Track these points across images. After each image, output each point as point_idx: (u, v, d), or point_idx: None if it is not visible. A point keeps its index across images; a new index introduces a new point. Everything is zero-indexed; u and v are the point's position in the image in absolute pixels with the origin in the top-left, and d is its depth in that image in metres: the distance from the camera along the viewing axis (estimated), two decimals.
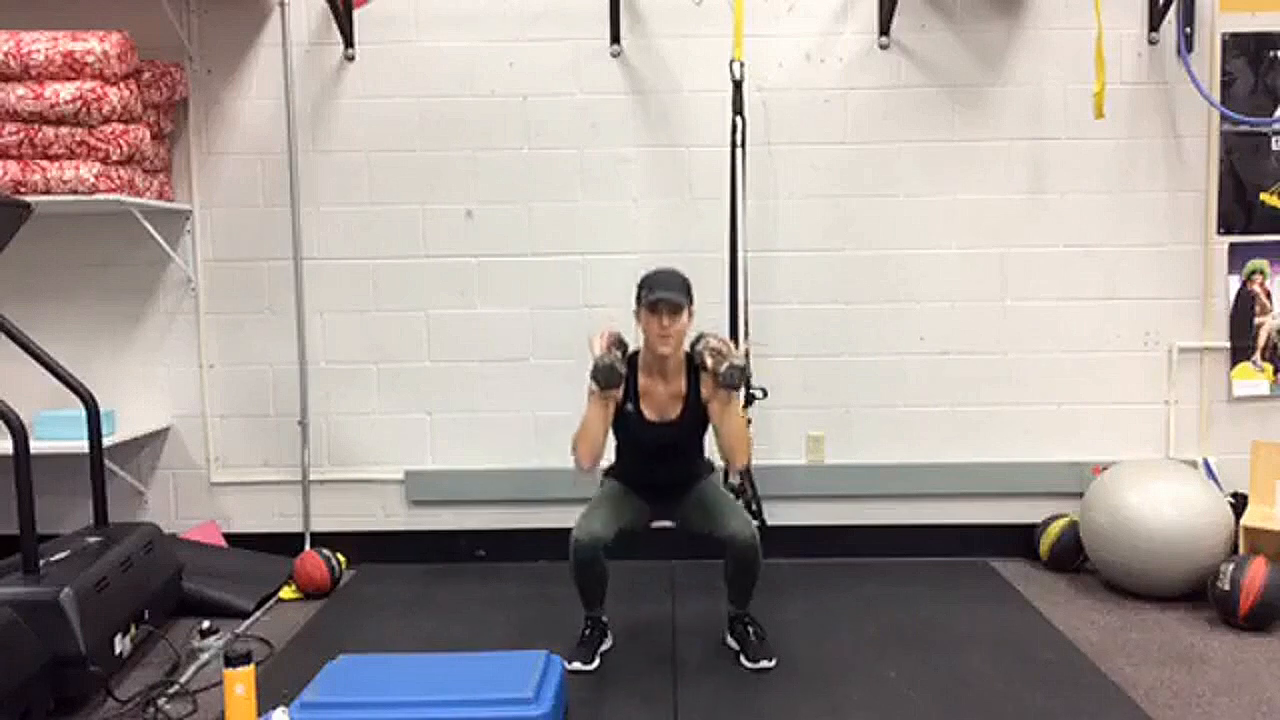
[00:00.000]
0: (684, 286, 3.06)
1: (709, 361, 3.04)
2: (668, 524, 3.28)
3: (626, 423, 3.15)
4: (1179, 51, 3.97)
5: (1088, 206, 4.04)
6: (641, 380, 3.14)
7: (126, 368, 4.14)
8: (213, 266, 4.13)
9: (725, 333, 3.72)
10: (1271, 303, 4.07)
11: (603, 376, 3.03)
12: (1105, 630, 3.37)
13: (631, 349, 3.18)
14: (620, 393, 3.10)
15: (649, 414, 3.14)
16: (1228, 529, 3.58)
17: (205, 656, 3.16)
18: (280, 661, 3.19)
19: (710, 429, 3.18)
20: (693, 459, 3.28)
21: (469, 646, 3.20)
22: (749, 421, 3.73)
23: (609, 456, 3.24)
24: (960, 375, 4.10)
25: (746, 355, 3.17)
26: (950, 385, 4.11)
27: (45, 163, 3.63)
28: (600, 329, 3.16)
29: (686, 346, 3.13)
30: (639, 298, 3.06)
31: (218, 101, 4.07)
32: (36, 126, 3.59)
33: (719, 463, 3.27)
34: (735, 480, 3.59)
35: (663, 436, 3.16)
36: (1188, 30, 3.96)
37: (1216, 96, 3.97)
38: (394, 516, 4.19)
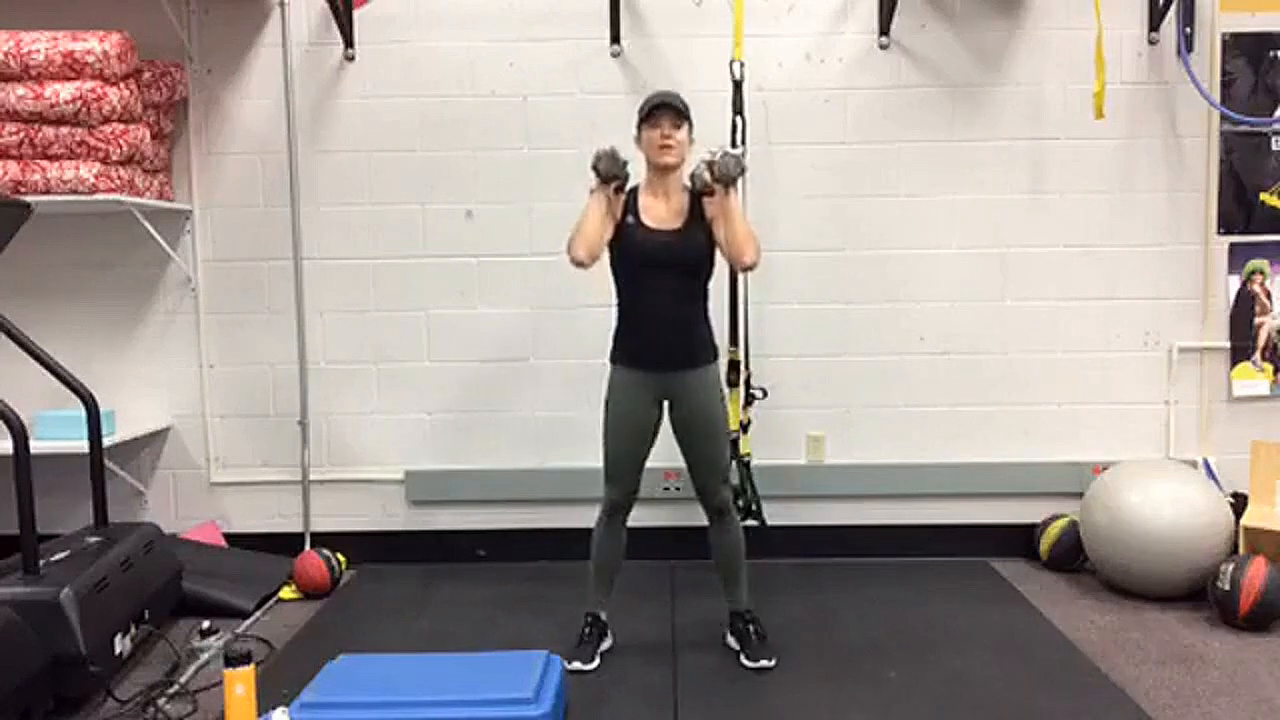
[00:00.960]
0: (683, 101, 3.05)
1: (705, 159, 2.97)
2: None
3: (627, 238, 3.05)
4: (1179, 51, 3.97)
5: (1088, 206, 4.04)
6: (643, 199, 3.09)
7: (126, 368, 4.14)
8: (213, 266, 4.13)
9: (725, 334, 3.73)
10: (1271, 303, 4.07)
11: (604, 164, 2.98)
12: (1105, 630, 3.37)
13: (634, 182, 3.11)
14: (619, 209, 3.05)
15: (650, 223, 3.06)
16: (1228, 529, 3.58)
17: (205, 656, 3.16)
18: (280, 661, 3.19)
19: (715, 257, 3.11)
20: (695, 302, 3.09)
21: (469, 646, 3.20)
22: (749, 423, 3.74)
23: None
24: (960, 375, 4.10)
25: (742, 153, 3.08)
26: (950, 385, 4.11)
27: (45, 163, 3.63)
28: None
29: (686, 180, 3.07)
30: (639, 123, 3.04)
31: (218, 101, 4.07)
32: (36, 126, 3.59)
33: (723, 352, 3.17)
34: (735, 482, 3.58)
35: (665, 245, 3.04)
36: (1188, 30, 3.96)
37: (1216, 96, 3.97)
38: (394, 516, 4.19)
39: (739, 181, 3.01)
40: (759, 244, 3.06)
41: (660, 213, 3.08)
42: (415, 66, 4.04)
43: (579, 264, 3.02)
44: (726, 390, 3.35)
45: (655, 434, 3.14)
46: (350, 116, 4.07)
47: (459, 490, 4.15)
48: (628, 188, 3.08)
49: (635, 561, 3.45)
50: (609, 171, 2.99)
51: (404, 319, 4.13)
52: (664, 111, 3.00)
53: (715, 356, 3.17)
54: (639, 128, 3.06)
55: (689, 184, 3.07)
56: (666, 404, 3.12)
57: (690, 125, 3.06)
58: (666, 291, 3.06)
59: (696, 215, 3.07)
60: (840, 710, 2.79)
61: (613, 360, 3.16)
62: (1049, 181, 4.04)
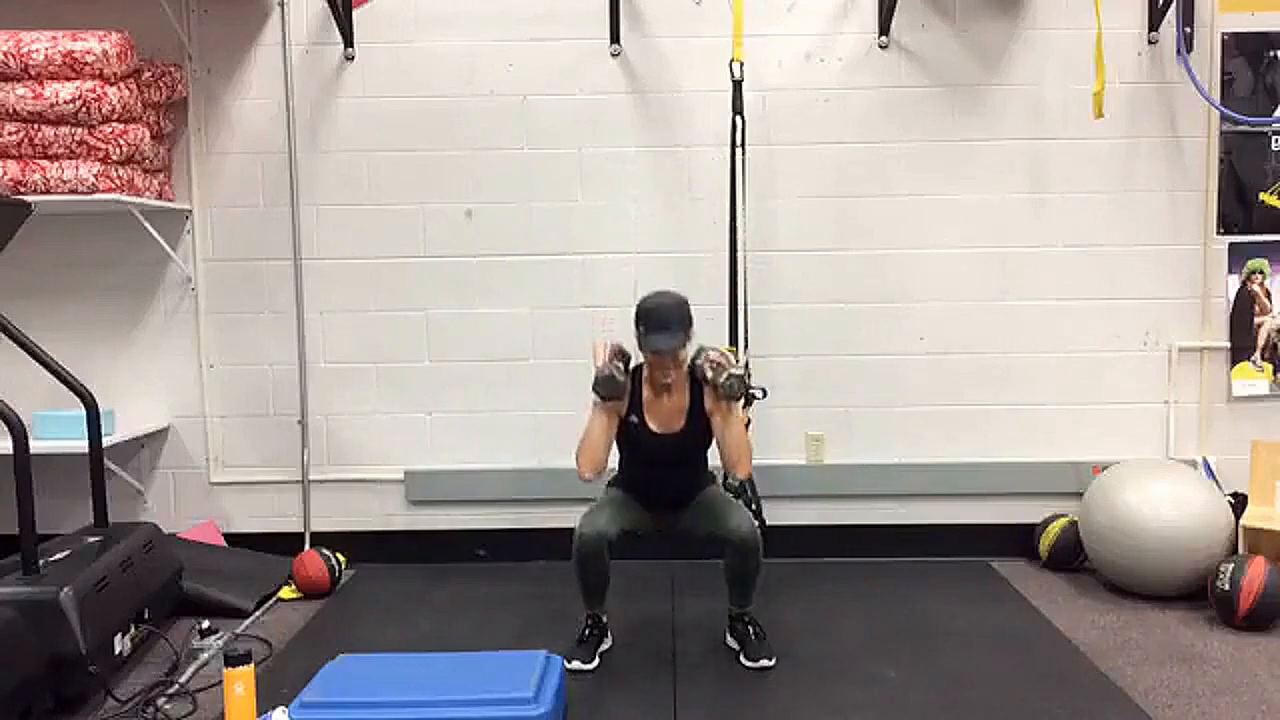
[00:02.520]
0: (680, 320, 3.03)
1: (709, 374, 3.04)
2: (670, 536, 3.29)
3: (630, 434, 3.15)
4: (1179, 51, 3.97)
5: (1088, 206, 4.04)
6: (645, 393, 3.15)
7: (126, 368, 4.14)
8: (213, 266, 4.13)
9: (725, 334, 3.73)
10: (1271, 302, 4.07)
11: (604, 388, 3.04)
12: (1105, 630, 3.37)
13: (635, 362, 3.17)
14: (624, 404, 3.11)
15: (653, 425, 3.14)
16: (1228, 529, 3.58)
17: (205, 656, 3.16)
18: (280, 661, 3.19)
19: (714, 441, 3.17)
20: (697, 470, 3.28)
21: (469, 646, 3.20)
22: (749, 422, 3.73)
23: (613, 466, 3.25)
24: (960, 375, 4.10)
25: (745, 366, 3.17)
26: (950, 385, 4.11)
27: (45, 162, 3.63)
28: (602, 339, 3.16)
29: (687, 364, 3.14)
30: (637, 328, 3.05)
31: (218, 101, 4.07)
32: (36, 126, 3.59)
33: (720, 466, 3.26)
34: (735, 481, 3.59)
35: (666, 448, 3.16)
36: (1187, 30, 3.96)
37: (1216, 96, 3.97)
38: (394, 516, 4.19)
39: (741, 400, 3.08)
40: (752, 453, 3.15)
41: (662, 414, 3.14)
42: (415, 66, 4.04)
43: (586, 480, 3.09)
44: (720, 487, 3.40)
45: (644, 527, 3.21)
46: (350, 116, 4.07)
47: (459, 490, 4.15)
48: (631, 367, 3.15)
49: (635, 561, 3.46)
50: (609, 394, 3.05)
51: (404, 319, 4.13)
52: (661, 347, 3.00)
53: (713, 481, 3.32)
54: (637, 329, 3.05)
55: (688, 367, 3.12)
56: (669, 523, 3.24)
57: (690, 327, 3.05)
58: (670, 473, 3.22)
59: (697, 408, 3.12)
60: (840, 710, 2.79)
61: (611, 485, 3.30)
62: (1049, 181, 4.04)
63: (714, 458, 3.27)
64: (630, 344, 3.16)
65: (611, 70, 4.04)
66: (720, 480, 3.40)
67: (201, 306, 4.13)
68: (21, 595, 2.77)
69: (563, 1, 4.01)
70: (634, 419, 3.13)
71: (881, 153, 4.04)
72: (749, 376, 3.09)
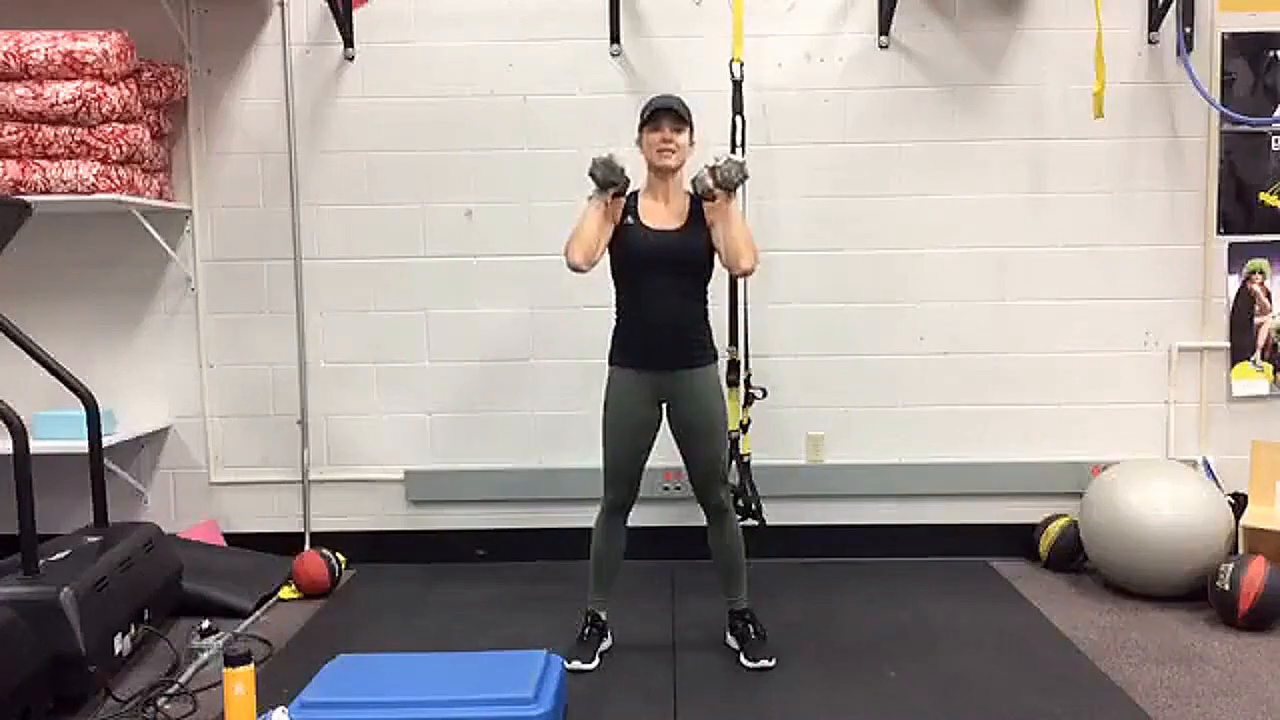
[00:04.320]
0: (684, 105, 3.05)
1: (707, 174, 2.98)
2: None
3: (627, 237, 3.06)
4: (1179, 51, 3.97)
5: (1088, 206, 4.04)
6: (643, 202, 3.10)
7: (126, 368, 4.14)
8: (213, 266, 4.13)
9: (725, 334, 3.72)
10: (1271, 302, 4.07)
11: (601, 171, 2.98)
12: (1105, 630, 3.37)
13: (633, 187, 3.11)
14: (618, 212, 3.06)
15: (649, 223, 3.07)
16: (1228, 529, 3.58)
17: (205, 656, 3.16)
18: (280, 661, 3.19)
19: (714, 263, 3.11)
20: (694, 301, 3.10)
21: (469, 646, 3.20)
22: (748, 423, 3.74)
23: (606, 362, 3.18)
24: (960, 375, 4.10)
25: (744, 161, 3.09)
26: (950, 385, 4.11)
27: (45, 162, 3.63)
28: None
29: (688, 185, 3.07)
30: (640, 125, 3.05)
31: (218, 101, 4.07)
32: (36, 126, 3.59)
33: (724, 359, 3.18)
34: (735, 481, 3.59)
35: (664, 245, 3.05)
36: (1187, 30, 3.96)
37: (1216, 96, 3.97)
38: (394, 516, 4.19)
39: (740, 187, 3.01)
40: (757, 250, 3.07)
41: (660, 214, 3.09)
42: (415, 66, 4.04)
43: (575, 269, 3.02)
44: (726, 390, 3.35)
45: (655, 434, 3.14)
46: (350, 116, 4.07)
47: (459, 490, 4.15)
48: (628, 191, 3.08)
49: (635, 561, 3.45)
50: (606, 178, 2.99)
51: (404, 319, 4.13)
52: (665, 115, 3.00)
53: (715, 358, 3.18)
54: (640, 130, 3.07)
55: (690, 189, 3.07)
56: (665, 405, 3.11)
57: (691, 129, 3.07)
58: (666, 292, 3.05)
59: (696, 218, 3.08)
60: (840, 710, 2.79)
61: (611, 361, 3.15)
62: (1049, 181, 4.04)
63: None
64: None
65: (611, 70, 4.04)
66: (726, 369, 3.30)
67: (201, 306, 4.12)
68: (21, 595, 2.77)
69: (563, 1, 4.01)
70: (630, 220, 3.07)
71: (881, 153, 4.04)
72: (746, 165, 3.04)
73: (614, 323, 3.16)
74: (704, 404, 3.09)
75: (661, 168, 3.04)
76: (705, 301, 3.13)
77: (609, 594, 3.22)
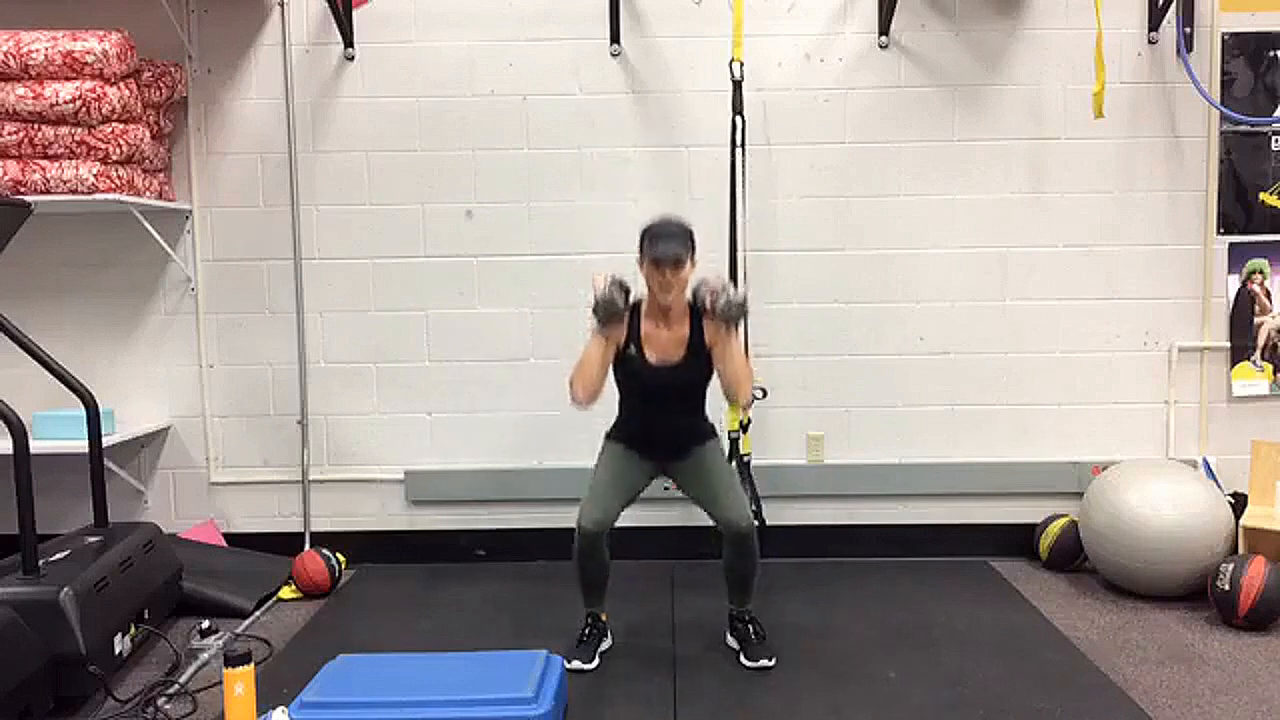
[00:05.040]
0: (685, 237, 3.03)
1: (708, 300, 3.01)
2: (670, 491, 3.27)
3: (628, 365, 3.10)
4: (1179, 51, 3.97)
5: (1088, 206, 4.04)
6: (644, 326, 3.11)
7: (126, 368, 4.14)
8: (213, 266, 4.13)
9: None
10: (1271, 302, 4.07)
11: (602, 311, 3.01)
12: (1105, 630, 3.37)
13: (635, 295, 3.12)
14: (622, 334, 3.08)
15: (651, 356, 3.09)
16: (1227, 529, 3.58)
17: (205, 656, 3.16)
18: (280, 661, 3.19)
19: (715, 376, 3.12)
20: (695, 409, 3.19)
21: (469, 646, 3.19)
22: (748, 423, 3.74)
23: (610, 413, 3.22)
24: (960, 375, 4.10)
25: (746, 295, 3.11)
26: (950, 385, 4.11)
27: (45, 162, 3.63)
28: (603, 272, 3.09)
29: (689, 295, 3.09)
30: (641, 248, 3.04)
31: (218, 101, 4.07)
32: (36, 126, 3.60)
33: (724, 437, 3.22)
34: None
35: (664, 379, 3.10)
36: (1187, 30, 3.96)
37: (1216, 96, 3.97)
38: (394, 516, 4.19)
39: (741, 321, 3.06)
40: (754, 380, 3.15)
41: (661, 343, 3.10)
42: (415, 66, 4.04)
43: (580, 406, 3.07)
44: (725, 450, 3.38)
45: (642, 490, 3.19)
46: (350, 116, 4.07)
47: (459, 490, 4.15)
48: (632, 301, 3.10)
49: (635, 561, 3.46)
50: (608, 317, 3.03)
51: (404, 319, 4.13)
52: (664, 260, 2.98)
53: (714, 434, 3.25)
54: (641, 252, 3.05)
55: (690, 297, 3.09)
56: (665, 476, 3.20)
57: (693, 252, 3.05)
58: (667, 409, 3.16)
59: (697, 341, 3.10)
60: (840, 710, 2.79)
61: (607, 438, 3.23)
62: (1049, 181, 4.04)
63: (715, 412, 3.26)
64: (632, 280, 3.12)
65: (611, 70, 4.04)
66: (727, 447, 3.33)
67: (201, 306, 4.13)
68: (21, 595, 2.77)
69: (563, 1, 4.01)
70: (632, 349, 3.09)
71: (881, 153, 4.04)
72: (748, 301, 3.05)
73: (616, 409, 3.22)
74: (707, 464, 3.16)
75: (662, 304, 3.07)
76: (705, 398, 3.21)
77: (604, 598, 3.21)
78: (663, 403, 3.15)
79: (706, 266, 3.25)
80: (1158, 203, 4.04)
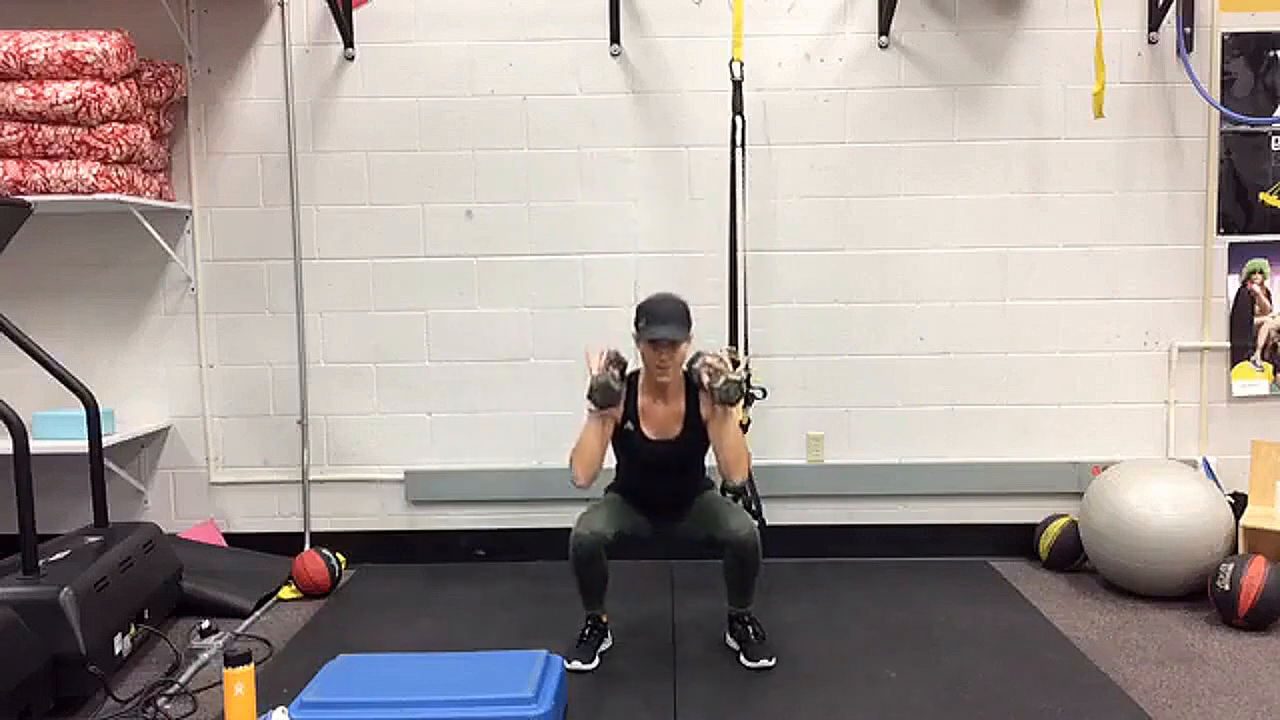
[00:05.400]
0: (681, 317, 3.03)
1: (705, 379, 3.03)
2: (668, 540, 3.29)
3: (626, 441, 3.15)
4: (1179, 51, 3.97)
5: (1088, 206, 4.04)
6: (641, 400, 3.13)
7: (126, 368, 4.14)
8: (213, 266, 4.13)
9: (725, 334, 3.73)
10: (1271, 302, 4.07)
11: (599, 396, 3.03)
12: (1105, 630, 3.37)
13: (631, 368, 3.16)
14: (619, 411, 3.11)
15: (649, 432, 3.13)
16: (1227, 529, 3.58)
17: (205, 656, 3.16)
18: (280, 661, 3.19)
19: (711, 447, 3.17)
20: (694, 477, 3.27)
21: (469, 646, 3.20)
22: (748, 423, 3.74)
23: (610, 472, 3.26)
24: (960, 375, 4.10)
25: (746, 369, 3.15)
26: (950, 385, 4.11)
27: (45, 162, 3.63)
28: (598, 346, 3.13)
29: (684, 367, 3.12)
30: (637, 326, 3.04)
31: (218, 101, 4.07)
32: (36, 126, 3.60)
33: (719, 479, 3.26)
34: (734, 482, 3.58)
35: (663, 454, 3.15)
36: (1187, 30, 3.96)
37: (1216, 96, 3.97)
38: (394, 516, 4.19)
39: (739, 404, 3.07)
40: (750, 459, 3.17)
41: (658, 418, 3.12)
42: (415, 66, 4.04)
43: (580, 487, 3.08)
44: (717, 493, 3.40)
45: (642, 532, 3.22)
46: (350, 116, 4.07)
47: (459, 490, 4.15)
48: (628, 373, 3.13)
49: (635, 561, 3.46)
50: (605, 402, 3.04)
51: (404, 319, 4.13)
52: (661, 343, 2.99)
53: (711, 487, 3.30)
54: (636, 328, 3.05)
55: (686, 369, 3.11)
56: (661, 528, 3.24)
57: (689, 328, 3.05)
58: (666, 479, 3.20)
59: (693, 414, 3.11)
60: (840, 710, 2.79)
61: (608, 490, 3.29)
62: (1049, 181, 4.04)
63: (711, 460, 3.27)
64: (626, 350, 3.15)
65: (611, 70, 4.04)
66: (719, 485, 3.39)
67: (201, 306, 4.13)
68: (21, 595, 2.77)
69: (563, 1, 4.00)
70: (629, 426, 3.12)
71: (881, 153, 4.04)
72: (750, 378, 3.07)
73: (615, 470, 3.26)
74: (704, 505, 3.21)
75: (658, 384, 3.08)
76: (703, 465, 3.25)
77: (604, 600, 3.21)
78: (661, 474, 3.19)
79: (705, 339, 3.25)
80: (1158, 203, 4.04)
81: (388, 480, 4.17)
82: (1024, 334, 4.09)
